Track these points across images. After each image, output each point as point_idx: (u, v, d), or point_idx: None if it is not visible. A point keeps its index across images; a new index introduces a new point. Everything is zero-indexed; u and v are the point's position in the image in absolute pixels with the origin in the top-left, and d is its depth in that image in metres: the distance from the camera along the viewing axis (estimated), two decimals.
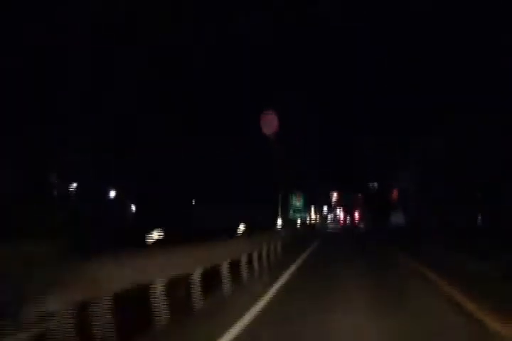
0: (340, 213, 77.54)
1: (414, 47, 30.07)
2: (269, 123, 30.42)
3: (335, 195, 77.76)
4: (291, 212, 44.49)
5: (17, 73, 19.86)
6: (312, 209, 59.80)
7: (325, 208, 74.75)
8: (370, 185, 68.55)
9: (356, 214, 72.23)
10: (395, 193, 56.04)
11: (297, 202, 45.55)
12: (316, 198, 62.41)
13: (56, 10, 20.27)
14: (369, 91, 49.34)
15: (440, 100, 29.44)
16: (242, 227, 27.10)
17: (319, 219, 68.55)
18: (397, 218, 49.19)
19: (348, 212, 74.72)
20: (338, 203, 77.75)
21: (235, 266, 9.21)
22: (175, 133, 27.59)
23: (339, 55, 47.98)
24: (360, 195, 72.22)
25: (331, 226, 68.48)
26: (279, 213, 34.84)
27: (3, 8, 18.14)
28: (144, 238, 18.45)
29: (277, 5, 33.02)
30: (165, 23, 25.23)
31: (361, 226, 64.02)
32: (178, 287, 6.81)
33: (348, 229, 59.05)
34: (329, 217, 76.63)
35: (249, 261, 10.54)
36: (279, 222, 34.17)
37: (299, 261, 14.25)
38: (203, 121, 30.02)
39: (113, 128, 25.72)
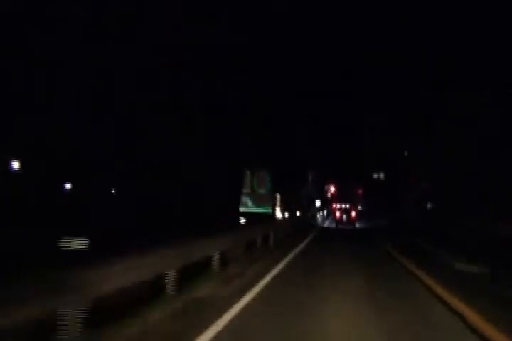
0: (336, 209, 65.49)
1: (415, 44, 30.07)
2: None
3: (332, 188, 66.92)
4: (245, 201, 28.88)
5: (17, 73, 19.85)
6: (278, 197, 34.76)
7: (318, 203, 60.03)
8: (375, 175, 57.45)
9: (353, 213, 63.28)
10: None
11: (259, 186, 28.66)
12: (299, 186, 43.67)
13: (57, 9, 20.30)
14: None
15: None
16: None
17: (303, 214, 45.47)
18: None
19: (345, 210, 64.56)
20: (336, 197, 65.72)
21: None
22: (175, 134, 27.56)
23: (339, 53, 47.94)
24: (360, 190, 64.03)
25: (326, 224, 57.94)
26: None
27: (6, 8, 18.18)
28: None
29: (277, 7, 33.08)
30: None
31: (357, 225, 57.70)
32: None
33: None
34: (319, 215, 62.20)
35: None
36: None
37: None
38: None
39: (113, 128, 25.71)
